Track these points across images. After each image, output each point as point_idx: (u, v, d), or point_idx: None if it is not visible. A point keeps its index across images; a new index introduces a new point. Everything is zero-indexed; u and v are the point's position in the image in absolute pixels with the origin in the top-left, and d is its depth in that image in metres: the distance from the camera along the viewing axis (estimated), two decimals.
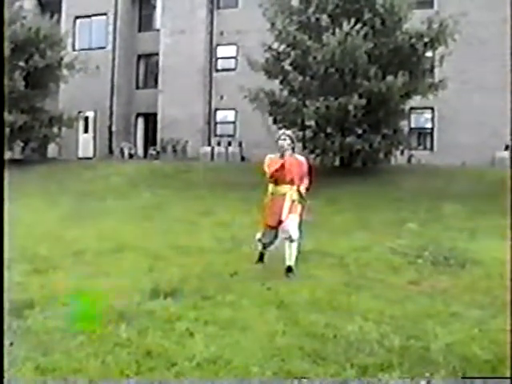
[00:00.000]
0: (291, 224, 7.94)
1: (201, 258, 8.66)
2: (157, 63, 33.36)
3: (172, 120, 31.56)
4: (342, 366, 4.30)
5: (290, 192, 8.15)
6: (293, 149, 8.27)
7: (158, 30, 33.56)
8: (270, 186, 8.36)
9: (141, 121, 35.19)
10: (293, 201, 8.13)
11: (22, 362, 4.21)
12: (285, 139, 8.17)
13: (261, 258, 8.53)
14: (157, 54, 33.12)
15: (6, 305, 4.64)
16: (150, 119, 34.02)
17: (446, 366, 4.33)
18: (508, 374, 4.02)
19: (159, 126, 32.63)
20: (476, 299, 6.51)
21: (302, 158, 8.40)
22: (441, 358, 4.51)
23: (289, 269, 7.76)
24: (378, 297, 6.47)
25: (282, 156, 8.13)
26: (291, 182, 8.15)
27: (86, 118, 34.10)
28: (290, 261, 7.81)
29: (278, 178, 8.16)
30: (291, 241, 7.84)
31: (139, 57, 35.38)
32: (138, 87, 35.42)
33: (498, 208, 15.85)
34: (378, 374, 4.19)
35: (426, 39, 21.39)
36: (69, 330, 5.03)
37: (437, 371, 4.22)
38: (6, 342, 4.06)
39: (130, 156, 32.42)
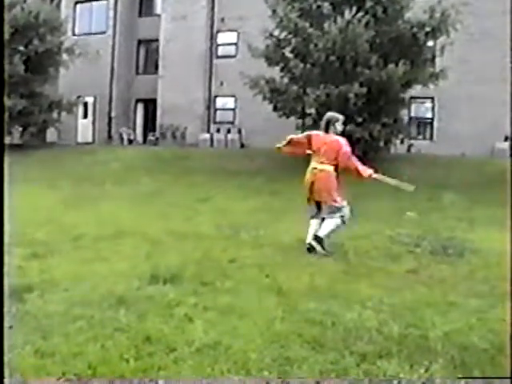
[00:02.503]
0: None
1: (199, 244, 8.65)
2: (157, 49, 33.33)
3: (171, 106, 31.53)
4: (340, 354, 4.31)
5: None
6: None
7: (158, 16, 33.49)
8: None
9: (140, 106, 35.17)
10: None
11: (21, 346, 4.22)
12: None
13: None
14: (157, 40, 33.10)
15: (6, 292, 4.64)
16: (150, 105, 34.02)
17: (444, 355, 4.34)
18: (508, 368, 4.03)
19: (159, 111, 32.63)
20: (474, 288, 6.52)
21: None
22: (439, 346, 4.52)
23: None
24: (376, 285, 6.48)
25: None
26: None
27: (86, 103, 34.07)
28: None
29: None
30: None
31: (139, 42, 35.31)
32: (137, 73, 35.38)
33: (496, 198, 15.86)
34: (377, 361, 4.20)
35: (428, 28, 21.34)
36: (68, 314, 5.04)
37: (435, 359, 4.23)
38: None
39: (130, 141, 32.42)
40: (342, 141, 8.40)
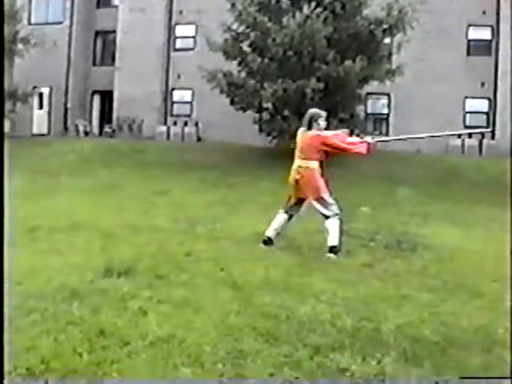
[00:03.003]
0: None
1: (155, 238, 8.60)
2: (114, 40, 32.95)
3: (128, 98, 31.27)
4: (294, 346, 4.34)
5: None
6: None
7: (116, 7, 33.11)
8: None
9: (97, 98, 34.80)
10: None
11: None
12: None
13: None
14: (115, 31, 32.73)
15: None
16: (107, 97, 33.69)
17: (396, 347, 4.41)
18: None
19: (115, 103, 32.34)
20: (427, 283, 6.62)
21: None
22: (391, 339, 4.58)
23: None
24: (331, 279, 6.53)
25: None
26: None
27: (41, 94, 33.58)
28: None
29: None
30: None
31: (97, 33, 34.86)
32: (94, 64, 34.96)
33: (450, 194, 16.13)
34: (330, 354, 4.23)
35: (385, 26, 21.61)
36: (22, 307, 4.97)
37: (387, 352, 4.29)
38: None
39: (86, 133, 32.08)
40: (320, 132, 8.33)
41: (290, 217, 8.56)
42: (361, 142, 8.36)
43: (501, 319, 5.25)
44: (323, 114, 8.53)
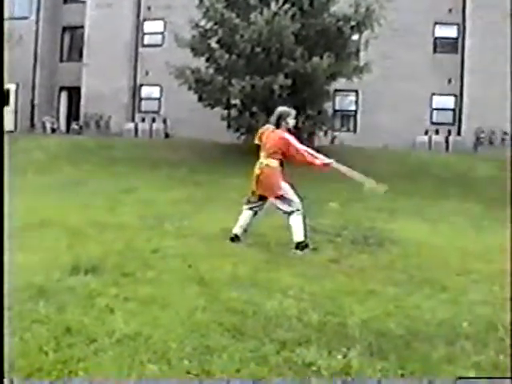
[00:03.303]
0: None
1: (122, 235, 8.57)
2: (82, 36, 32.63)
3: (96, 95, 31.04)
4: (260, 341, 4.36)
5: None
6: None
7: (83, 2, 32.73)
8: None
9: (64, 94, 34.48)
10: None
11: None
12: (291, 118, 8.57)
13: None
14: (82, 27, 32.40)
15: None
16: (74, 93, 33.37)
17: (362, 341, 4.45)
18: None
19: (83, 100, 32.08)
20: (393, 277, 6.69)
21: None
22: (357, 333, 4.63)
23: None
24: (298, 274, 6.57)
25: None
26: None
27: (8, 91, 33.18)
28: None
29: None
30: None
31: (64, 29, 34.48)
32: (62, 60, 34.61)
33: (417, 189, 16.28)
34: (296, 348, 4.26)
35: (353, 23, 21.72)
36: None
37: (353, 346, 4.33)
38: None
39: (53, 130, 31.79)
40: (289, 137, 8.31)
41: (255, 213, 8.58)
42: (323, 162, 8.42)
43: (465, 312, 5.33)
44: (292, 112, 8.56)
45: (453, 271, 7.19)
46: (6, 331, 3.95)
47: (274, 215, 8.95)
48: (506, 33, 27.10)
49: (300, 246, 8.02)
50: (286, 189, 8.27)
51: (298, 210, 8.15)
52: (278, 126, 8.41)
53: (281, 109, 8.65)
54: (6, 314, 4.64)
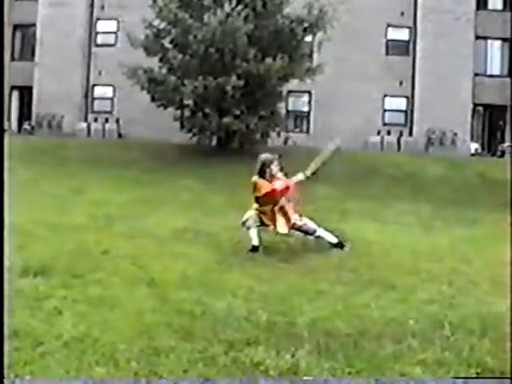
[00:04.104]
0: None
1: (72, 236, 8.48)
2: (34, 35, 32.17)
3: (48, 94, 30.64)
4: (209, 342, 4.35)
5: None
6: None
7: (36, 0, 32.27)
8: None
9: (15, 94, 33.95)
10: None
11: None
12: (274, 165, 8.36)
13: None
14: (34, 25, 31.93)
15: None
16: (26, 93, 32.89)
17: (310, 341, 4.47)
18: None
19: (35, 100, 31.68)
20: (343, 277, 6.74)
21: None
22: (306, 332, 4.64)
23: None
24: (248, 274, 6.58)
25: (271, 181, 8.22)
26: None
27: None
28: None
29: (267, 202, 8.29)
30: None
31: (15, 27, 33.90)
32: (13, 59, 33.98)
33: (368, 190, 16.44)
34: (245, 348, 4.26)
35: (306, 24, 21.85)
36: None
37: (301, 345, 4.35)
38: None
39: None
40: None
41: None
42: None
43: (412, 311, 5.40)
44: (276, 157, 8.49)
45: (402, 271, 7.26)
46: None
47: (228, 216, 8.96)
48: (456, 36, 27.60)
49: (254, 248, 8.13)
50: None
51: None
52: (261, 175, 8.29)
53: (263, 157, 8.48)
54: None
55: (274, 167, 8.36)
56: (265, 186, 8.15)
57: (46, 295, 5.41)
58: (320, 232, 8.46)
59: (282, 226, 8.23)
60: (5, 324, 4.02)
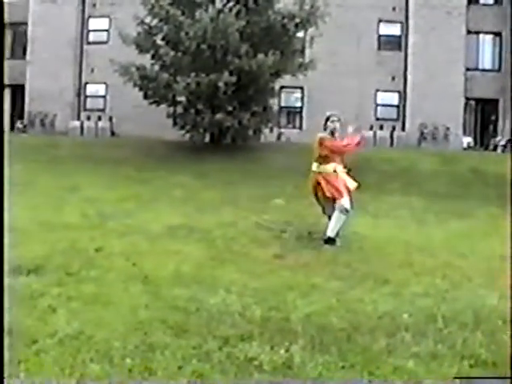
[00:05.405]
0: (346, 198, 8.54)
1: (66, 234, 8.46)
2: (25, 33, 32.08)
3: (40, 93, 30.59)
4: (203, 338, 4.36)
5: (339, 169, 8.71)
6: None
7: None
8: (316, 165, 8.72)
9: (7, 92, 33.83)
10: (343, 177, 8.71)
11: None
12: (334, 121, 8.61)
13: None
14: (26, 23, 31.83)
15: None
16: (18, 91, 32.79)
17: (304, 336, 4.48)
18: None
19: (27, 98, 31.61)
20: (336, 271, 6.75)
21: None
22: (299, 327, 4.66)
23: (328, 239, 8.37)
24: (242, 270, 6.58)
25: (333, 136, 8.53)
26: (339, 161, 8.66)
27: None
28: (332, 232, 8.42)
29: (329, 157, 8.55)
30: (346, 213, 8.46)
31: (6, 25, 33.82)
32: (4, 57, 33.95)
33: (362, 185, 16.39)
34: (239, 344, 4.27)
35: (298, 20, 21.83)
36: None
37: (295, 340, 4.36)
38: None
39: None
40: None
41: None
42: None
43: (406, 304, 5.42)
44: (339, 115, 8.76)
45: (395, 264, 7.29)
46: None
47: (221, 212, 8.96)
48: (447, 30, 27.64)
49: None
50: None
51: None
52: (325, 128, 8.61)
53: (328, 112, 8.88)
54: None
55: (336, 123, 8.63)
56: (333, 141, 8.53)
57: (40, 293, 5.39)
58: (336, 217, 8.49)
59: (346, 201, 8.53)
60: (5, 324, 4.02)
